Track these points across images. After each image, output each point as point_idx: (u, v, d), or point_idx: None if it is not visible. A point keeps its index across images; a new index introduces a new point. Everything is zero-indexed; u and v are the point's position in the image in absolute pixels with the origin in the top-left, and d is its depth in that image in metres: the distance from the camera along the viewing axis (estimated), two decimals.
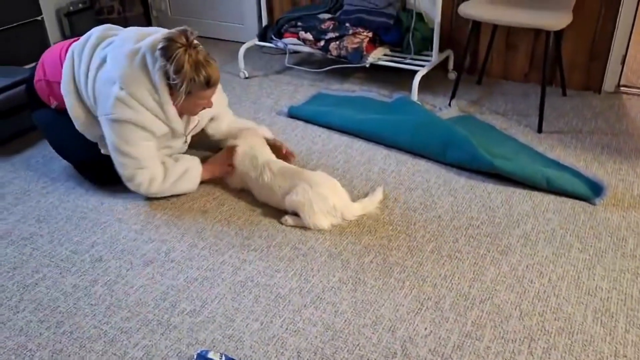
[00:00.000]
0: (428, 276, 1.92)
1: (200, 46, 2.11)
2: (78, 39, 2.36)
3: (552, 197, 2.31)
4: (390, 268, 1.96)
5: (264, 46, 3.71)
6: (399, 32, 3.26)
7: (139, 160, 2.20)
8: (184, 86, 2.06)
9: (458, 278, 1.91)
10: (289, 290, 1.88)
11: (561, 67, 3.10)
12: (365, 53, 3.18)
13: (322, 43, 3.29)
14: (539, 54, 3.24)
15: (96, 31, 2.33)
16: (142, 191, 2.27)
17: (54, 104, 2.41)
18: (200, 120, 2.42)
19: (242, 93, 3.34)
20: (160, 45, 2.05)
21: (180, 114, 2.27)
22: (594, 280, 1.89)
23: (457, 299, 1.82)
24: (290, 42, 3.44)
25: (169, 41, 2.05)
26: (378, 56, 3.24)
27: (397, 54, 3.29)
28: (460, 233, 2.12)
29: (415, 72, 3.10)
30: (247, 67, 3.56)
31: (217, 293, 1.88)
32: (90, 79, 2.20)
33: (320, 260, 2.00)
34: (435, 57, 3.18)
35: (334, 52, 3.25)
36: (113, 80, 2.13)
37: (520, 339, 1.67)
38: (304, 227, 2.16)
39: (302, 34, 3.35)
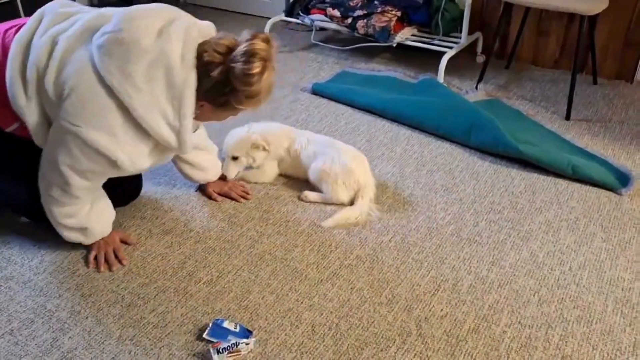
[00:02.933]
0: (446, 258, 1.90)
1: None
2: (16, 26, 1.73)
3: (577, 185, 2.26)
4: (409, 248, 1.95)
5: (290, 22, 3.68)
6: (428, 12, 3.20)
7: (73, 192, 1.69)
8: (233, 99, 1.61)
9: (477, 262, 1.89)
10: (306, 265, 1.88)
11: (593, 54, 3.03)
12: (392, 32, 3.14)
13: (349, 20, 3.25)
14: (571, 40, 3.16)
15: (50, 9, 1.73)
16: (51, 211, 1.75)
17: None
18: (201, 127, 2.06)
19: None
20: (243, 62, 1.54)
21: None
22: (616, 270, 1.85)
23: (475, 282, 1.80)
24: (317, 18, 3.41)
25: (253, 48, 1.55)
26: (406, 36, 3.20)
27: (425, 35, 3.24)
28: (481, 217, 2.09)
29: (442, 53, 3.05)
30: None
31: (235, 264, 1.88)
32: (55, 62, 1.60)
33: (339, 238, 2.00)
34: (464, 39, 3.13)
35: (361, 30, 3.21)
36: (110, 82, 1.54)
37: (537, 325, 1.65)
38: (324, 204, 2.15)
39: (330, 10, 3.32)
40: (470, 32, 3.17)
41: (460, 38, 3.15)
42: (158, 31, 1.56)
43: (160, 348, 1.59)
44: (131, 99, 1.53)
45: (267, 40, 1.59)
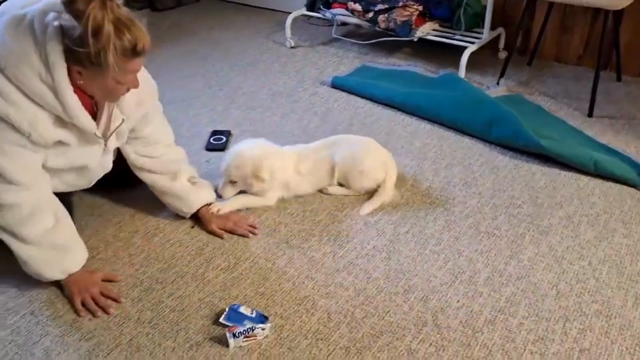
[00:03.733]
0: (464, 250, 1.90)
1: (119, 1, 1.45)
2: None
3: (599, 181, 2.23)
4: (426, 240, 1.94)
5: (311, 17, 3.69)
6: (450, 7, 3.18)
7: (5, 173, 1.53)
8: (101, 55, 1.42)
9: (495, 254, 1.88)
10: (323, 254, 1.88)
11: (618, 50, 2.98)
12: (414, 27, 3.13)
13: (370, 14, 3.25)
14: (595, 36, 3.11)
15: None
16: (4, 224, 1.60)
17: None
18: (127, 117, 1.72)
19: (287, 62, 3.33)
20: (64, 4, 1.41)
21: (89, 104, 1.62)
22: (637, 265, 1.82)
23: (493, 275, 1.79)
24: (338, 12, 3.41)
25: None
26: (427, 31, 3.18)
27: (447, 30, 3.22)
28: (500, 211, 2.08)
29: (464, 48, 3.03)
30: (293, 37, 3.55)
31: (252, 252, 1.89)
32: None
33: (356, 228, 2.00)
34: (486, 34, 3.10)
35: (382, 25, 3.21)
36: None
37: (555, 318, 1.63)
38: (342, 196, 2.15)
39: (351, 4, 3.32)
40: (492, 28, 3.14)
41: (482, 33, 3.12)
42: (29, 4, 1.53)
43: (177, 331, 1.60)
44: (1, 56, 1.46)
45: None
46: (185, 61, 3.35)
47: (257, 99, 2.90)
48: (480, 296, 1.71)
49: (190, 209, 1.99)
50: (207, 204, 2.01)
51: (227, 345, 1.54)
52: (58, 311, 1.67)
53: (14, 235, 1.61)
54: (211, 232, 1.96)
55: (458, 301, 1.70)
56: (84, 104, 1.56)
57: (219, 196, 2.06)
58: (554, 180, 2.25)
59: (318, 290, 1.74)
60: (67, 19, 1.41)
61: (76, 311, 1.66)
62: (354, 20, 3.37)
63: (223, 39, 3.65)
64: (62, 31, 1.44)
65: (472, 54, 3.03)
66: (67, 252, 1.68)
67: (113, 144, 1.76)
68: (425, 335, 1.59)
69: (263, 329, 1.56)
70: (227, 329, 1.55)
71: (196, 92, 2.98)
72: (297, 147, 2.22)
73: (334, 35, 3.55)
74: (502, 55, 3.32)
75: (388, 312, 1.67)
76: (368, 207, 2.07)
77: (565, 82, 3.08)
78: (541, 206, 2.10)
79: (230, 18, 3.95)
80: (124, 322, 1.63)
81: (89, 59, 1.43)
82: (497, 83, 3.01)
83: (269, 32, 3.73)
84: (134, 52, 1.46)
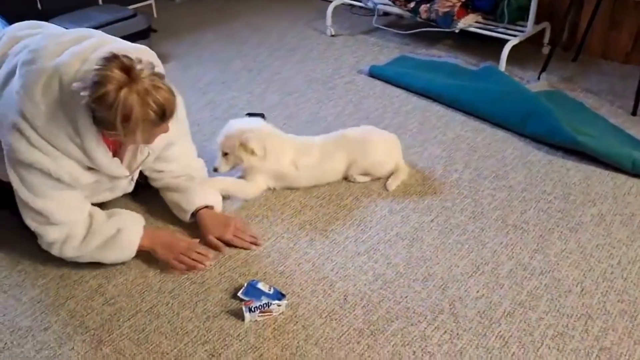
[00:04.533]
0: (489, 242, 1.87)
1: (141, 64, 1.42)
2: None
3: (636, 180, 2.16)
4: (451, 230, 1.92)
5: (353, 5, 3.67)
6: None
7: (49, 217, 1.61)
8: (130, 134, 1.46)
9: (520, 248, 1.84)
10: (345, 238, 1.88)
11: None
12: (455, 18, 3.08)
13: (412, 4, 3.21)
14: None
15: (11, 30, 1.74)
16: (55, 252, 1.69)
17: None
18: (154, 150, 1.75)
19: (326, 50, 3.33)
20: (92, 90, 1.39)
21: (117, 151, 1.67)
22: None
23: (516, 268, 1.76)
24: (379, 1, 3.39)
25: (102, 83, 1.37)
26: (469, 22, 3.13)
27: (490, 22, 3.16)
28: (530, 205, 2.04)
29: (505, 41, 2.97)
30: (334, 25, 3.54)
31: (275, 231, 1.91)
32: None
33: (381, 214, 1.99)
34: (530, 27, 3.03)
35: (424, 15, 3.17)
36: (14, 104, 1.51)
37: (577, 315, 1.59)
38: (368, 182, 2.15)
39: None
40: (537, 22, 3.06)
41: (526, 27, 3.05)
42: (61, 51, 1.52)
43: (196, 302, 1.64)
44: (32, 114, 1.49)
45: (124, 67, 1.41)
46: (227, 44, 3.39)
47: (293, 84, 2.92)
48: (501, 288, 1.69)
49: (189, 205, 1.87)
50: (208, 207, 1.90)
51: (243, 319, 1.57)
52: (84, 277, 1.73)
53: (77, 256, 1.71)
54: (207, 244, 1.82)
55: (478, 291, 1.68)
56: (108, 143, 1.61)
57: (215, 170, 2.03)
58: (589, 177, 2.18)
59: (337, 272, 1.75)
60: (101, 110, 1.41)
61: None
62: (395, 10, 3.34)
63: (264, 24, 3.68)
64: (91, 109, 1.45)
65: (514, 47, 2.96)
66: (120, 235, 1.70)
67: (137, 172, 1.81)
68: (440, 322, 1.58)
69: (279, 306, 1.58)
70: (243, 303, 1.57)
71: (235, 74, 3.02)
72: (301, 139, 2.15)
73: (375, 25, 3.53)
74: (546, 50, 3.23)
75: (405, 297, 1.66)
76: (393, 183, 2.11)
77: (610, 79, 2.98)
78: (573, 203, 2.05)
79: (273, 4, 3.98)
80: (145, 291, 1.68)
81: (118, 135, 1.47)
82: (538, 78, 2.94)
83: (309, 20, 3.74)
84: (162, 119, 1.46)
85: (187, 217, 1.90)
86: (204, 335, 1.54)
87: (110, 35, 1.66)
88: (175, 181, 1.91)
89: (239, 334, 1.54)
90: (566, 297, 1.66)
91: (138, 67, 1.40)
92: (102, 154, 1.57)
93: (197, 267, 1.73)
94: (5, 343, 1.53)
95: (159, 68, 1.56)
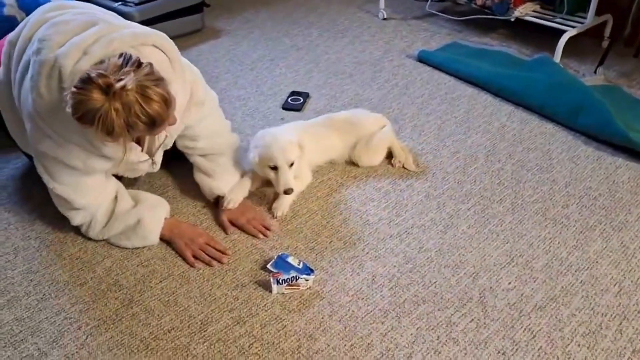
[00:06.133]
0: (526, 234, 1.82)
1: (127, 75, 1.32)
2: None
3: None
4: (487, 219, 1.88)
5: None
6: None
7: (71, 202, 1.67)
8: (121, 139, 1.41)
9: (558, 243, 1.79)
10: (378, 219, 1.88)
11: None
12: (512, 6, 2.99)
13: None
14: None
15: (36, 13, 1.65)
16: (83, 232, 1.76)
17: None
18: (171, 133, 1.71)
19: (377, 33, 3.30)
20: (71, 103, 1.32)
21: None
22: None
23: (552, 262, 1.71)
24: None
25: (81, 101, 1.31)
26: (526, 11, 3.03)
27: (548, 12, 3.05)
28: (573, 200, 1.97)
29: (563, 32, 2.86)
30: (387, 9, 3.50)
31: (310, 208, 1.92)
32: (17, 83, 1.60)
33: (417, 199, 1.97)
34: (590, 19, 2.91)
35: (479, 1, 3.09)
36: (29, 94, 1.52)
37: (611, 315, 1.54)
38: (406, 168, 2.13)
39: None
40: (598, 13, 2.94)
41: (586, 18, 2.93)
42: (64, 42, 1.48)
43: (226, 271, 1.67)
44: (39, 105, 1.49)
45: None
46: (278, 23, 3.40)
47: (340, 65, 2.91)
48: (534, 281, 1.65)
49: (216, 190, 1.88)
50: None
51: (270, 291, 1.59)
52: None
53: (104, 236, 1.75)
54: (219, 223, 1.85)
55: (509, 283, 1.64)
56: None
57: (289, 191, 1.81)
58: (639, 176, 2.09)
59: (367, 253, 1.74)
60: (84, 125, 1.36)
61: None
62: None
63: (317, 5, 3.67)
64: None
65: (572, 39, 2.85)
66: (140, 225, 1.73)
67: (160, 155, 1.75)
68: (468, 310, 1.55)
69: (307, 280, 1.59)
70: (271, 275, 1.59)
71: (283, 52, 3.03)
72: (292, 125, 2.08)
73: (428, 10, 3.46)
74: (606, 44, 3.10)
75: (434, 283, 1.64)
76: (412, 164, 2.12)
77: None
78: (619, 201, 1.97)
79: None
80: (178, 257, 1.72)
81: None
82: (595, 72, 2.83)
83: (362, 2, 3.70)
84: (151, 127, 1.39)
85: (211, 199, 1.92)
86: (231, 303, 1.57)
87: (120, 21, 1.61)
88: (204, 161, 1.89)
89: (265, 305, 1.57)
90: (602, 295, 1.60)
91: (119, 83, 1.30)
92: (108, 147, 1.53)
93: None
94: (44, 294, 1.60)
95: (163, 65, 1.50)
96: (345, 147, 2.10)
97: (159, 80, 1.37)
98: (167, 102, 1.38)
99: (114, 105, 1.30)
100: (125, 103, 1.31)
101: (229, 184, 1.90)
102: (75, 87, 1.31)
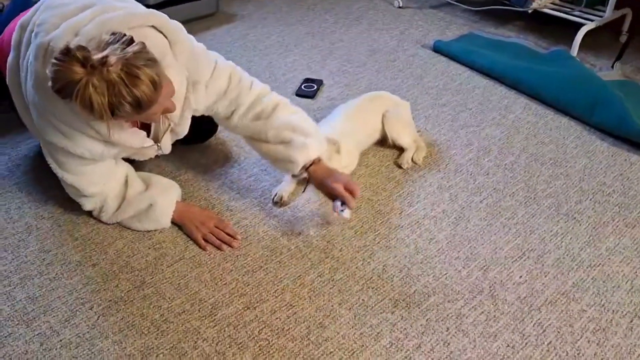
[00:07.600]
0: (538, 229, 1.81)
1: (111, 52, 1.26)
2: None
3: None
4: (500, 212, 1.88)
5: None
6: None
7: (81, 190, 1.67)
8: (104, 120, 1.34)
9: (570, 238, 1.78)
10: (390, 209, 1.87)
11: None
12: None
13: None
14: None
15: None
16: (95, 217, 1.77)
17: None
18: (175, 121, 1.63)
19: (392, 21, 3.27)
20: (50, 75, 1.27)
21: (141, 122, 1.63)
22: None
23: (563, 258, 1.71)
24: None
25: (60, 72, 1.25)
26: (544, 3, 3.00)
27: (566, 4, 3.02)
28: (586, 196, 1.96)
29: (581, 25, 2.83)
30: None
31: (321, 196, 1.92)
32: (23, 69, 1.54)
33: (429, 190, 1.97)
34: (609, 12, 2.87)
35: None
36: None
37: (622, 312, 1.54)
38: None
39: None
40: (617, 7, 2.90)
41: (604, 11, 2.89)
42: (60, 24, 1.42)
43: (237, 256, 1.68)
44: (41, 93, 1.46)
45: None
46: (293, 10, 3.38)
47: (354, 53, 2.89)
48: (545, 276, 1.64)
49: (299, 160, 1.73)
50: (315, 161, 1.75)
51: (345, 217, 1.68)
52: None
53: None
54: (195, 240, 1.74)
55: (520, 277, 1.64)
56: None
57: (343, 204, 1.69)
58: None
59: (378, 242, 1.74)
60: (62, 99, 1.32)
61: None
62: None
63: None
64: None
65: (590, 33, 2.82)
66: (152, 209, 1.72)
67: (168, 141, 1.69)
68: (478, 303, 1.55)
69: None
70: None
71: (297, 39, 3.01)
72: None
73: None
74: (624, 38, 3.07)
75: (445, 274, 1.64)
76: (420, 157, 2.11)
77: None
78: (633, 197, 1.96)
79: None
80: (190, 240, 1.73)
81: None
82: (612, 66, 2.80)
83: None
84: (138, 109, 1.32)
85: (296, 171, 1.75)
86: (242, 288, 1.57)
87: (122, 2, 1.51)
88: (276, 121, 1.72)
89: (275, 291, 1.57)
90: (613, 292, 1.60)
91: (98, 56, 1.24)
92: (112, 134, 1.48)
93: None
94: (56, 274, 1.61)
95: (162, 48, 1.44)
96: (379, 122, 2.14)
97: (151, 61, 1.30)
98: (156, 84, 1.31)
99: (92, 80, 1.23)
100: (107, 80, 1.24)
101: (318, 145, 1.75)
102: (55, 58, 1.25)
